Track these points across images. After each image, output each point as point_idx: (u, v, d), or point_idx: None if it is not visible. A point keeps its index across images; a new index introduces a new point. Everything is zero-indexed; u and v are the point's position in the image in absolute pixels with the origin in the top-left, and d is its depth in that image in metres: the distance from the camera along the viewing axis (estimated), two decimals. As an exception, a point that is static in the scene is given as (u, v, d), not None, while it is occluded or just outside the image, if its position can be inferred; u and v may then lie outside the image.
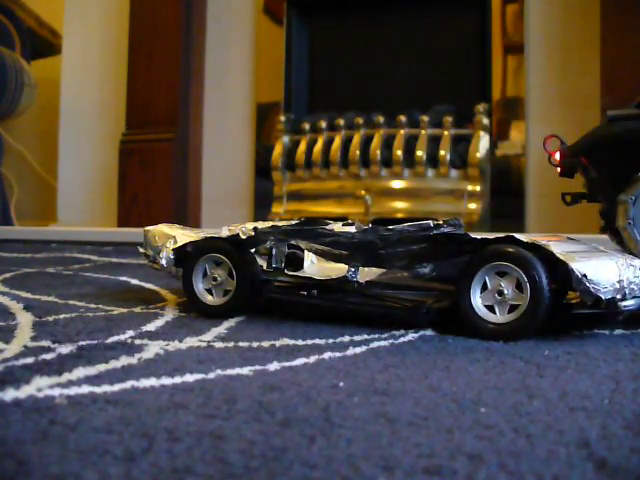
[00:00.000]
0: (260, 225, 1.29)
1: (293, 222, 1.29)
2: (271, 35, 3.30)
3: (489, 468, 0.56)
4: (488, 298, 1.11)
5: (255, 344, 1.04)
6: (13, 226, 3.72)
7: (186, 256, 1.34)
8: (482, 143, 2.79)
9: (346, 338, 1.09)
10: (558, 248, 1.09)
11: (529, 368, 0.91)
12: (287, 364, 0.92)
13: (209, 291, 1.30)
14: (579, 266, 1.06)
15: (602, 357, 0.98)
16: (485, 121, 2.80)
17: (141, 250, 1.43)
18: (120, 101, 3.43)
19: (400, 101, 3.01)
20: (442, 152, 2.80)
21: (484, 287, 1.12)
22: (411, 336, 1.12)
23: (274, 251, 1.32)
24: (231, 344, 1.04)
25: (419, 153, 2.83)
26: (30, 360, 0.90)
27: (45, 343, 1.01)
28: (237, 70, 3.36)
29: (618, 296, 1.07)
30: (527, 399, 0.76)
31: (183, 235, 1.36)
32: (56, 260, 2.28)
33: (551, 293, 1.07)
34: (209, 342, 1.05)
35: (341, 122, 2.98)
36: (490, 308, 1.11)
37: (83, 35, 3.65)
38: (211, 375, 0.85)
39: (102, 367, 0.87)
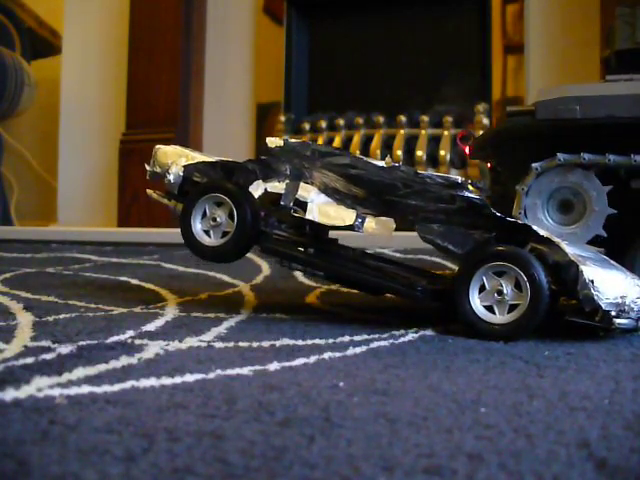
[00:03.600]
0: (292, 139, 1.24)
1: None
2: (271, 35, 3.30)
3: (489, 468, 0.56)
4: (487, 298, 1.11)
5: (255, 344, 1.04)
6: (13, 226, 3.72)
7: (187, 193, 1.29)
8: (482, 143, 2.79)
9: (346, 338, 1.09)
10: (571, 249, 1.09)
11: (529, 368, 0.91)
12: (287, 364, 0.91)
13: (207, 233, 1.27)
14: (589, 270, 1.05)
15: (602, 358, 0.98)
16: (485, 121, 2.80)
17: (148, 168, 1.37)
18: (120, 101, 3.44)
19: (400, 101, 3.01)
20: (442, 152, 2.80)
21: (482, 288, 1.12)
22: (411, 336, 1.12)
23: (285, 187, 1.27)
24: (231, 344, 1.04)
25: (419, 153, 2.83)
26: (30, 360, 0.90)
27: (45, 343, 1.01)
28: (237, 70, 3.36)
29: (613, 312, 1.06)
30: (527, 399, 0.76)
31: (197, 156, 1.32)
32: (56, 260, 2.28)
33: (551, 292, 1.07)
34: (209, 342, 1.05)
35: (341, 122, 2.99)
36: (488, 309, 1.11)
37: (83, 35, 3.65)
38: (211, 375, 0.85)
39: (102, 367, 0.87)
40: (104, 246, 2.75)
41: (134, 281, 1.75)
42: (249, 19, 3.33)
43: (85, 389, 0.77)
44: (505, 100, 2.88)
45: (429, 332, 1.15)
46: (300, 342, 1.06)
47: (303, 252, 1.25)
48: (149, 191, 1.40)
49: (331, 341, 1.07)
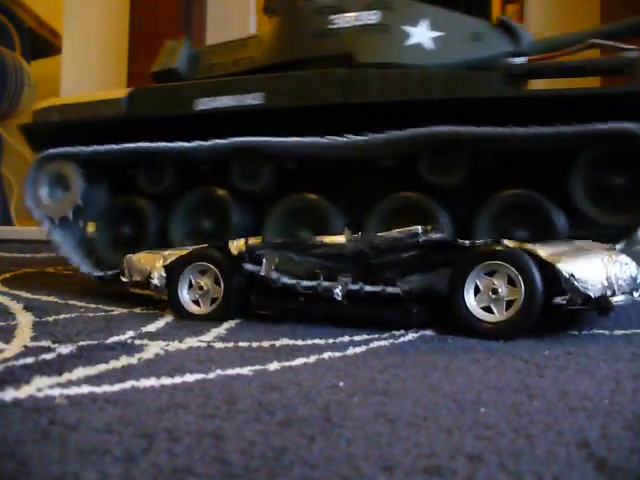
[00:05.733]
0: (251, 240, 1.26)
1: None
2: (271, 35, 3.29)
3: (489, 468, 0.56)
4: (483, 300, 1.12)
5: (255, 344, 1.04)
6: (13, 226, 3.72)
7: (170, 269, 1.30)
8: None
9: (346, 338, 1.09)
10: (544, 250, 1.10)
11: (529, 368, 0.91)
12: (287, 364, 0.91)
13: (196, 302, 1.28)
14: (565, 266, 1.07)
15: (602, 357, 0.98)
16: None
17: (124, 279, 1.37)
18: (120, 101, 3.43)
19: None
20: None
21: (476, 291, 1.13)
22: (411, 336, 1.12)
23: (264, 261, 1.24)
24: (231, 344, 1.04)
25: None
26: (30, 360, 0.90)
27: (45, 343, 1.01)
28: (237, 70, 3.36)
29: (608, 292, 1.08)
30: (527, 399, 0.76)
31: (171, 254, 1.32)
32: (56, 260, 2.28)
33: (544, 284, 1.08)
34: (209, 342, 1.05)
35: (341, 122, 2.98)
36: (486, 309, 1.12)
37: (83, 35, 3.64)
38: (211, 375, 0.85)
39: (102, 367, 0.87)
40: (104, 246, 2.74)
41: (134, 281, 1.75)
42: (249, 19, 3.32)
43: (85, 389, 0.77)
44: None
45: (429, 332, 1.15)
46: (300, 342, 1.06)
47: (294, 301, 1.25)
48: (132, 290, 1.43)
49: (331, 341, 1.07)
